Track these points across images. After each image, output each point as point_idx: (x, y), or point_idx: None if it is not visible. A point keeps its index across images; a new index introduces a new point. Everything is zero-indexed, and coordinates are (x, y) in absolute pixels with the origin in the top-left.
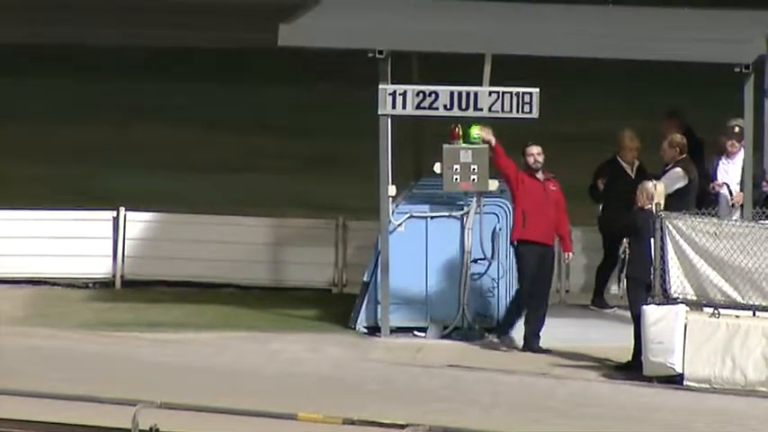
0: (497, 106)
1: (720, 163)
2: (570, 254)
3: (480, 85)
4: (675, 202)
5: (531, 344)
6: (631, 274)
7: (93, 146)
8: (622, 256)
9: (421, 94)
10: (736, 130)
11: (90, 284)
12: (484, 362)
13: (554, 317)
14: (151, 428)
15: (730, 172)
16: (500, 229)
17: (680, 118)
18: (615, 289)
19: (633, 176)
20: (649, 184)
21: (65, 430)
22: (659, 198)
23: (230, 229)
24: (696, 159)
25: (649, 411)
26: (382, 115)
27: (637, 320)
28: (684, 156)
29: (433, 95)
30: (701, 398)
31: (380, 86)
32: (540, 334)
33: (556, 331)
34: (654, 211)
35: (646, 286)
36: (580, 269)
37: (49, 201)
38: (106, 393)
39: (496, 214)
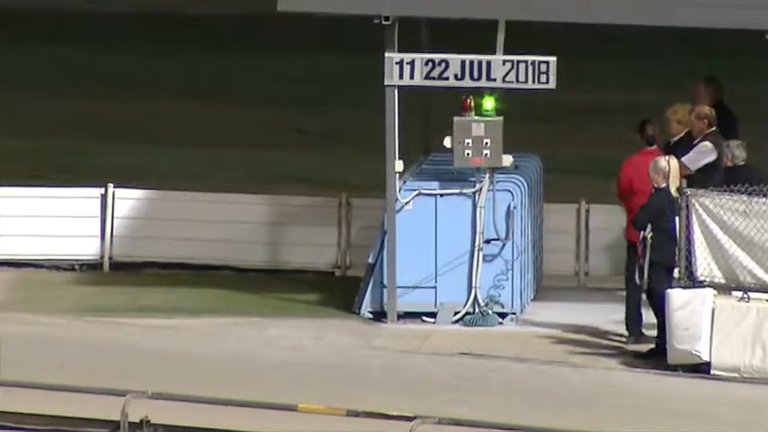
0: (512, 76)
1: None
2: None
3: (494, 53)
4: (702, 178)
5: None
6: (654, 259)
7: (81, 119)
8: (646, 241)
9: (430, 64)
10: None
11: (76, 266)
12: (497, 349)
13: (572, 301)
14: (142, 420)
15: None
16: (514, 208)
17: (717, 87)
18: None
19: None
20: (661, 161)
21: (49, 422)
22: (675, 173)
23: (227, 208)
24: (727, 134)
25: (673, 402)
26: (389, 86)
27: (659, 306)
28: (713, 129)
29: (443, 65)
30: (728, 387)
31: (387, 55)
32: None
33: (573, 316)
34: (669, 188)
35: (668, 271)
36: (600, 250)
37: (32, 177)
38: (94, 383)
39: (510, 191)
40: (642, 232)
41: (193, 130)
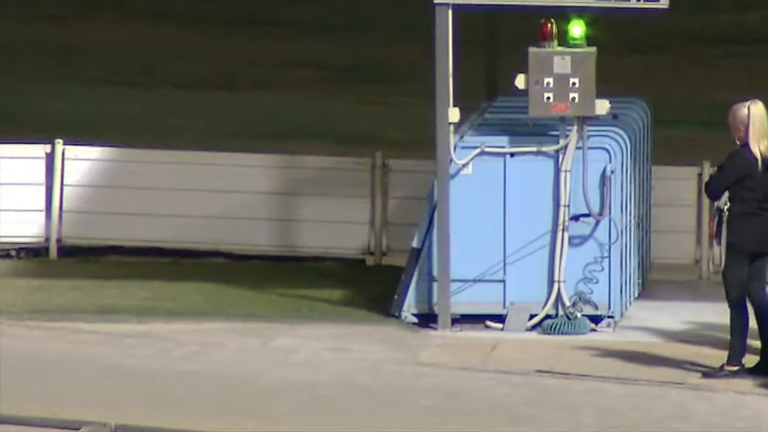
0: None
1: None
2: None
3: None
4: None
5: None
6: (730, 240)
7: (17, 48)
8: (722, 215)
9: None
10: None
11: (13, 252)
12: (588, 366)
13: (691, 300)
14: None
15: None
16: (612, 172)
17: None
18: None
19: None
20: (742, 108)
21: None
22: (760, 123)
23: (218, 172)
24: None
25: None
26: (440, 5)
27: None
28: None
29: None
30: None
31: None
32: None
33: (693, 320)
34: (751, 144)
35: (750, 257)
36: None
37: None
38: (38, 411)
39: (607, 149)
40: (716, 202)
41: (170, 65)
